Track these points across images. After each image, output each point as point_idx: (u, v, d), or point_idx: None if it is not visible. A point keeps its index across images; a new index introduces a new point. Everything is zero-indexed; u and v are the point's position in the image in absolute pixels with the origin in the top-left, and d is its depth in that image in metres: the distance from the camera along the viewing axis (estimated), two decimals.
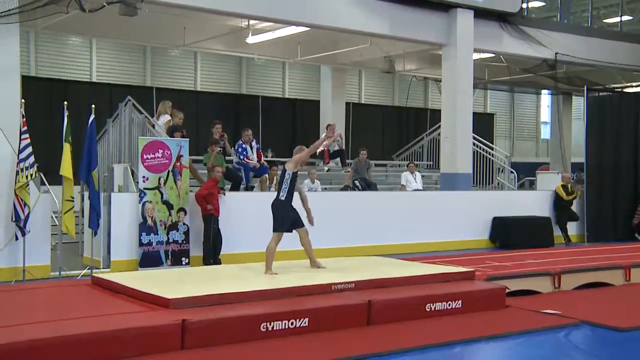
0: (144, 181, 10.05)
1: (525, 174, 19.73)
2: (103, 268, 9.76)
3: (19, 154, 8.89)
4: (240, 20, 13.98)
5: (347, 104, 19.15)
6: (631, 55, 17.39)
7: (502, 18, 15.06)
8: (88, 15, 10.57)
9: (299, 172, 8.06)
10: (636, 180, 15.90)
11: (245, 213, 10.86)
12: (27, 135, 8.91)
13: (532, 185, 18.62)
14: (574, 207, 14.93)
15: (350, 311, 6.53)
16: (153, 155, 10.09)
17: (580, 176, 17.48)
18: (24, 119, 8.92)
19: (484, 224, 13.90)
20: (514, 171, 16.52)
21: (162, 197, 10.16)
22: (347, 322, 6.42)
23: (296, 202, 8.11)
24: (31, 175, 8.92)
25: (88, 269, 9.37)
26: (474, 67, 14.73)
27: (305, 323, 6.16)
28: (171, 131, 11.35)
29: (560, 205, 14.66)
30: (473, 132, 14.93)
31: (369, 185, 14.03)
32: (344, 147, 16.10)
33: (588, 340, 6.58)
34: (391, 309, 6.75)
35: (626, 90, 19.93)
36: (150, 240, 10.03)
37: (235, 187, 11.83)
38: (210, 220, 10.21)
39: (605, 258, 10.26)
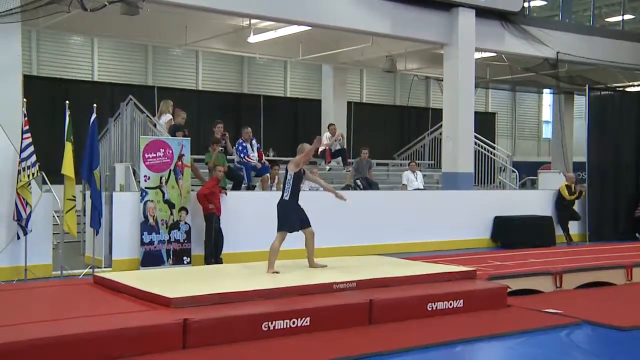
0: (145, 180, 10.05)
1: (527, 174, 19.69)
2: (104, 267, 9.77)
3: (20, 153, 8.89)
4: (242, 20, 13.97)
5: (349, 103, 19.14)
6: (633, 54, 17.38)
7: (503, 17, 15.05)
8: (89, 14, 10.58)
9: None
10: (637, 179, 15.90)
11: (247, 212, 10.86)
12: (28, 135, 8.91)
13: (533, 185, 18.60)
14: (575, 207, 14.92)
15: (351, 310, 6.53)
16: (154, 155, 10.10)
17: (581, 176, 17.47)
18: (26, 118, 8.93)
19: (486, 223, 13.90)
20: (515, 170, 16.51)
21: (163, 197, 10.17)
22: (348, 321, 6.42)
23: (303, 202, 8.08)
24: (33, 174, 8.93)
25: (90, 268, 9.38)
26: (475, 66, 14.72)
27: (306, 322, 6.16)
28: (173, 130, 11.36)
29: (563, 204, 14.66)
30: (474, 132, 14.91)
31: (370, 185, 14.02)
32: (345, 147, 16.11)
33: (589, 340, 6.57)
34: (392, 308, 6.75)
35: (628, 89, 19.90)
36: (151, 239, 10.04)
37: (236, 187, 11.83)
38: (212, 219, 10.22)
39: (607, 257, 10.25)
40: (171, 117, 11.99)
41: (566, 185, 14.72)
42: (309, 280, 7.22)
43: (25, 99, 9.24)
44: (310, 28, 13.81)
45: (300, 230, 8.01)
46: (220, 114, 16.09)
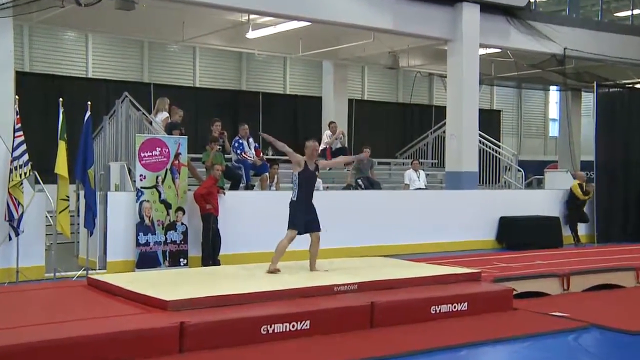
0: (141, 180, 10.05)
1: (533, 173, 19.70)
2: (99, 269, 9.77)
3: (12, 151, 8.89)
4: (240, 15, 13.97)
5: (350, 100, 19.13)
6: None
7: (509, 12, 15.03)
8: (84, 9, 10.59)
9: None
10: None
11: (245, 213, 10.86)
12: (21, 133, 8.91)
13: (540, 184, 18.60)
14: (584, 208, 14.89)
15: (352, 313, 6.53)
16: (151, 153, 10.09)
17: (589, 175, 17.45)
18: (18, 116, 8.93)
19: (491, 223, 13.89)
20: (521, 169, 16.49)
21: (159, 196, 10.16)
22: (349, 324, 6.42)
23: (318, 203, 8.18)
24: (25, 173, 8.93)
25: (83, 270, 9.38)
26: (480, 63, 14.71)
27: (306, 325, 6.16)
28: (169, 128, 11.36)
29: (574, 204, 14.59)
30: (479, 130, 14.90)
31: (372, 184, 14.01)
32: (346, 145, 16.10)
33: (598, 344, 6.56)
34: (395, 311, 6.75)
35: (637, 85, 19.88)
36: (147, 240, 10.03)
37: (234, 186, 11.83)
38: (209, 220, 10.21)
39: (616, 259, 10.25)
40: (168, 114, 11.99)
41: (578, 184, 14.67)
42: (309, 282, 7.22)
43: (17, 96, 9.24)
44: (310, 24, 13.80)
45: (305, 233, 8.05)
46: (218, 111, 16.08)
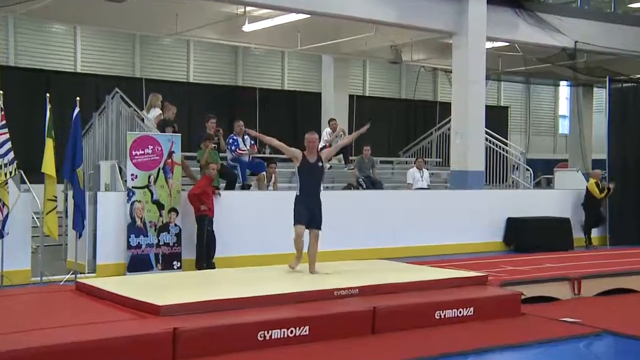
0: (132, 179, 10.04)
1: (542, 172, 19.71)
2: (88, 273, 9.75)
3: None
4: (236, 7, 13.95)
5: (351, 96, 19.14)
6: None
7: (517, 4, 15.03)
8: (72, 0, 10.57)
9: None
10: None
11: (242, 214, 10.85)
12: (6, 130, 8.90)
13: (549, 184, 18.60)
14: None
15: (353, 319, 6.53)
16: (142, 152, 10.08)
17: (600, 174, 17.45)
18: (3, 112, 8.91)
19: (498, 225, 13.89)
20: (529, 168, 16.50)
21: (152, 197, 10.16)
22: (350, 330, 6.42)
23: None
24: (10, 172, 8.91)
25: (72, 273, 9.36)
26: (486, 57, 14.71)
27: (305, 331, 6.16)
28: (162, 126, 11.34)
29: (592, 204, 14.57)
30: (486, 127, 14.90)
31: (373, 184, 14.01)
32: None
33: (610, 351, 6.57)
34: (398, 316, 6.75)
35: None
36: (139, 242, 10.02)
37: (230, 186, 11.82)
38: (204, 221, 10.20)
39: (629, 262, 10.25)
40: (160, 111, 11.98)
41: (595, 183, 14.65)
42: (309, 287, 7.22)
43: (1, 92, 9.21)
44: (309, 16, 13.79)
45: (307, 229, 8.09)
46: (213, 108, 16.05)
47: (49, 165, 9.13)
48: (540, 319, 7.38)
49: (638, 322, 7.43)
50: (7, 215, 8.94)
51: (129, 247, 9.96)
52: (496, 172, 16.04)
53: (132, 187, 10.04)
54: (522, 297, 7.75)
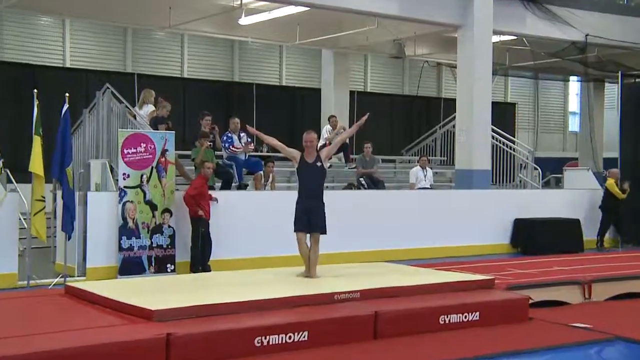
0: (124, 179, 10.04)
1: (551, 171, 19.71)
2: (78, 276, 9.75)
3: None
4: None
5: (351, 92, 19.13)
6: None
7: None
8: None
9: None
10: None
11: (238, 215, 10.85)
12: None
13: (558, 184, 18.61)
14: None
15: (354, 324, 6.53)
16: (135, 150, 10.08)
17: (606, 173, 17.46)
18: None
19: (505, 226, 13.89)
20: (538, 167, 16.50)
21: (144, 197, 10.16)
22: (351, 335, 6.42)
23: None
24: None
25: (61, 277, 9.36)
26: (493, 51, 14.70)
27: (304, 337, 6.16)
28: (155, 123, 11.35)
29: (612, 205, 14.55)
30: (492, 124, 14.90)
31: (375, 184, 14.01)
32: (347, 141, 16.07)
33: (622, 358, 6.57)
34: (400, 321, 6.75)
35: None
36: (131, 244, 10.03)
37: (226, 186, 11.82)
38: (199, 222, 10.19)
39: None
40: (153, 107, 11.98)
41: (614, 182, 14.63)
42: (308, 290, 7.22)
43: None
44: (308, 9, 13.79)
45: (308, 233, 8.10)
46: (208, 104, 16.06)
47: (36, 164, 9.13)
48: (548, 325, 7.38)
49: None
50: None
51: (121, 249, 9.96)
52: (503, 172, 16.04)
53: (124, 187, 10.03)
54: (530, 301, 7.75)
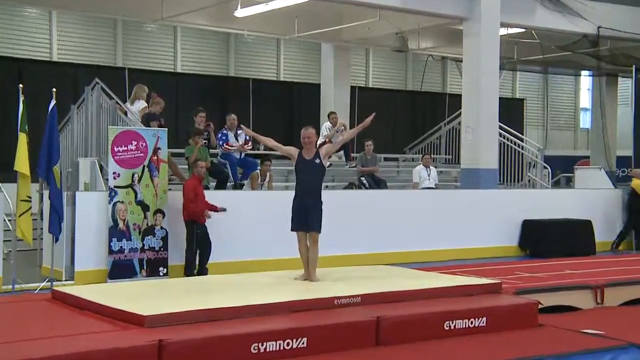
0: (114, 178, 10.04)
1: (561, 170, 19.72)
2: (65, 280, 9.76)
3: None
4: None
5: (352, 88, 19.15)
6: None
7: None
8: None
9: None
10: None
11: (234, 215, 10.83)
12: None
13: (569, 183, 18.62)
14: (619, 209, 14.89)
15: (355, 329, 6.52)
16: (125, 148, 10.08)
17: (626, 172, 17.47)
18: None
19: (513, 228, 13.90)
20: (547, 166, 16.51)
21: (136, 197, 10.16)
22: (352, 342, 6.41)
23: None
24: None
25: (48, 281, 9.36)
26: (500, 45, 14.70)
27: (303, 343, 6.15)
28: (147, 119, 11.35)
29: (638, 206, 14.53)
30: (499, 121, 14.91)
31: (377, 183, 14.02)
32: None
33: None
34: (403, 327, 6.74)
35: None
36: (121, 247, 10.03)
37: (221, 185, 11.82)
38: (193, 223, 10.18)
39: None
40: (146, 104, 11.98)
41: None
42: (307, 295, 7.21)
43: None
44: (307, 0, 13.79)
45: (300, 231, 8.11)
46: (203, 100, 16.08)
47: (22, 162, 9.12)
48: (559, 331, 7.37)
49: None
50: None
51: (111, 252, 9.96)
52: (511, 170, 16.05)
53: (114, 187, 10.04)
54: (540, 306, 7.74)
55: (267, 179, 12.50)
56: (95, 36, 18.85)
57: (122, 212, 10.05)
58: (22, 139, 9.21)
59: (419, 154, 17.72)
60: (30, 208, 9.30)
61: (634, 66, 15.85)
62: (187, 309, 6.34)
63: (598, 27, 15.93)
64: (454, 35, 16.67)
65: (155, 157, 10.30)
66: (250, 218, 11.00)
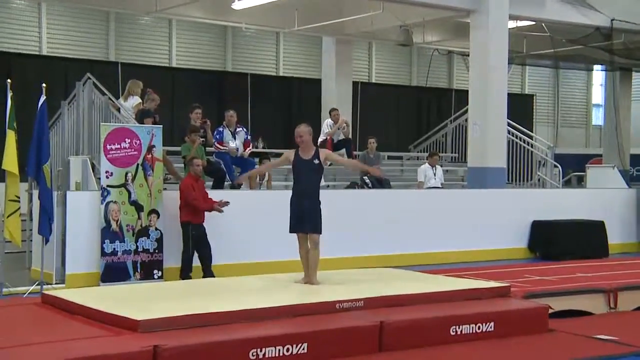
0: (107, 177, 10.04)
1: (573, 169, 19.72)
2: (56, 283, 9.76)
3: None
4: None
5: (355, 83, 19.16)
6: None
7: None
8: None
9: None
10: None
11: (231, 216, 10.82)
12: None
13: (580, 182, 18.62)
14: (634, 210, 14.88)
15: (358, 335, 6.52)
16: (119, 146, 10.08)
17: None
18: None
19: (522, 229, 13.89)
20: (558, 165, 16.50)
21: (129, 197, 10.15)
22: (354, 348, 6.42)
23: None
24: None
25: (37, 285, 9.35)
26: (509, 38, 14.70)
27: (303, 349, 6.16)
28: (141, 116, 11.35)
29: None
30: (508, 118, 14.91)
31: (380, 182, 14.02)
32: (350, 136, 16.10)
33: None
34: (408, 332, 6.75)
35: None
36: (114, 248, 10.03)
37: (218, 184, 11.81)
38: (189, 225, 10.18)
39: None
40: (140, 100, 11.97)
41: None
42: (307, 298, 7.22)
43: None
44: None
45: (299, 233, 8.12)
46: (199, 96, 16.07)
47: (10, 161, 9.12)
48: (570, 336, 7.38)
49: None
50: None
51: (103, 254, 9.95)
52: (520, 169, 16.05)
53: (107, 186, 10.03)
54: (550, 311, 7.75)
55: (266, 178, 12.50)
56: (87, 29, 18.87)
57: (115, 213, 10.04)
58: (11, 137, 9.20)
59: (424, 152, 17.71)
60: (19, 208, 9.30)
61: None
62: (183, 314, 6.35)
63: (612, 20, 15.92)
64: (460, 28, 16.68)
65: (150, 156, 10.29)
66: (249, 219, 11.00)
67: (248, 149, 12.65)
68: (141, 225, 10.22)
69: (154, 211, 10.30)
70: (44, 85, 9.47)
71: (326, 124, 15.55)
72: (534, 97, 25.14)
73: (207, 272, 10.19)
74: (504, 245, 13.55)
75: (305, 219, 8.00)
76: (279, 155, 13.09)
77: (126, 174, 10.13)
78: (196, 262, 10.24)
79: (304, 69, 21.69)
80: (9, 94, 9.36)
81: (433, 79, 22.81)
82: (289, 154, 8.21)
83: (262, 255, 10.77)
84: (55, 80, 14.88)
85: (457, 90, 21.96)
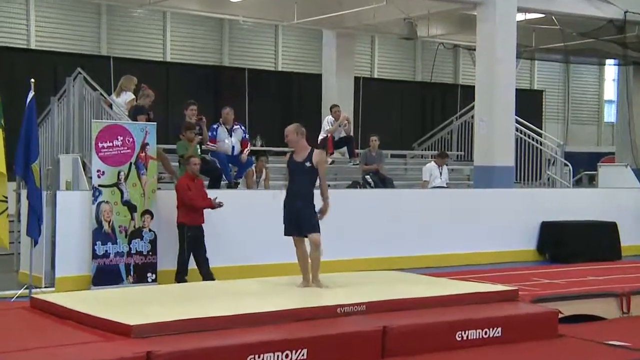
0: (99, 176, 10.04)
1: (584, 167, 19.71)
2: (45, 287, 9.76)
3: None
4: None
5: (357, 78, 19.16)
6: None
7: None
8: None
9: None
10: None
11: (227, 216, 10.83)
12: None
13: (592, 182, 18.62)
14: None
15: (360, 340, 6.54)
16: (111, 144, 10.08)
17: None
18: None
19: (530, 230, 13.90)
20: (568, 164, 16.50)
21: (122, 197, 10.16)
22: (355, 354, 6.43)
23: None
24: None
25: (26, 288, 9.35)
26: (517, 31, 14.70)
27: (303, 355, 6.16)
28: (134, 113, 11.35)
29: None
30: (516, 114, 14.91)
31: (383, 182, 14.02)
32: (352, 134, 16.10)
33: None
34: (412, 337, 6.76)
35: None
36: (106, 251, 10.03)
37: (215, 183, 11.81)
38: (184, 226, 10.17)
39: None
40: (133, 96, 11.97)
41: None
42: (307, 302, 7.23)
43: None
44: None
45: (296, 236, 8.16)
46: (194, 92, 16.09)
47: None
48: (581, 342, 7.38)
49: None
50: None
51: (95, 256, 9.96)
52: (528, 168, 16.05)
53: (99, 186, 10.04)
54: (560, 315, 7.75)
55: (263, 176, 12.48)
56: (77, 22, 18.85)
57: (107, 213, 10.05)
58: None
59: (428, 150, 17.72)
60: (6, 209, 9.28)
61: None
62: (177, 318, 6.36)
63: (625, 12, 15.93)
64: (466, 21, 16.69)
65: (143, 154, 10.30)
66: (246, 219, 11.00)
67: (246, 150, 12.64)
68: (134, 227, 10.22)
69: (147, 212, 10.30)
70: (32, 80, 9.45)
71: (327, 121, 15.55)
72: (544, 93, 25.11)
73: (207, 276, 10.17)
74: (511, 247, 13.56)
75: (300, 220, 8.05)
76: (277, 153, 13.15)
77: (119, 173, 10.14)
78: (192, 265, 10.24)
79: (304, 63, 21.68)
80: None
81: (438, 74, 22.81)
82: (288, 156, 8.34)
83: (260, 258, 10.77)
84: (45, 75, 14.84)
85: (463, 86, 21.95)
